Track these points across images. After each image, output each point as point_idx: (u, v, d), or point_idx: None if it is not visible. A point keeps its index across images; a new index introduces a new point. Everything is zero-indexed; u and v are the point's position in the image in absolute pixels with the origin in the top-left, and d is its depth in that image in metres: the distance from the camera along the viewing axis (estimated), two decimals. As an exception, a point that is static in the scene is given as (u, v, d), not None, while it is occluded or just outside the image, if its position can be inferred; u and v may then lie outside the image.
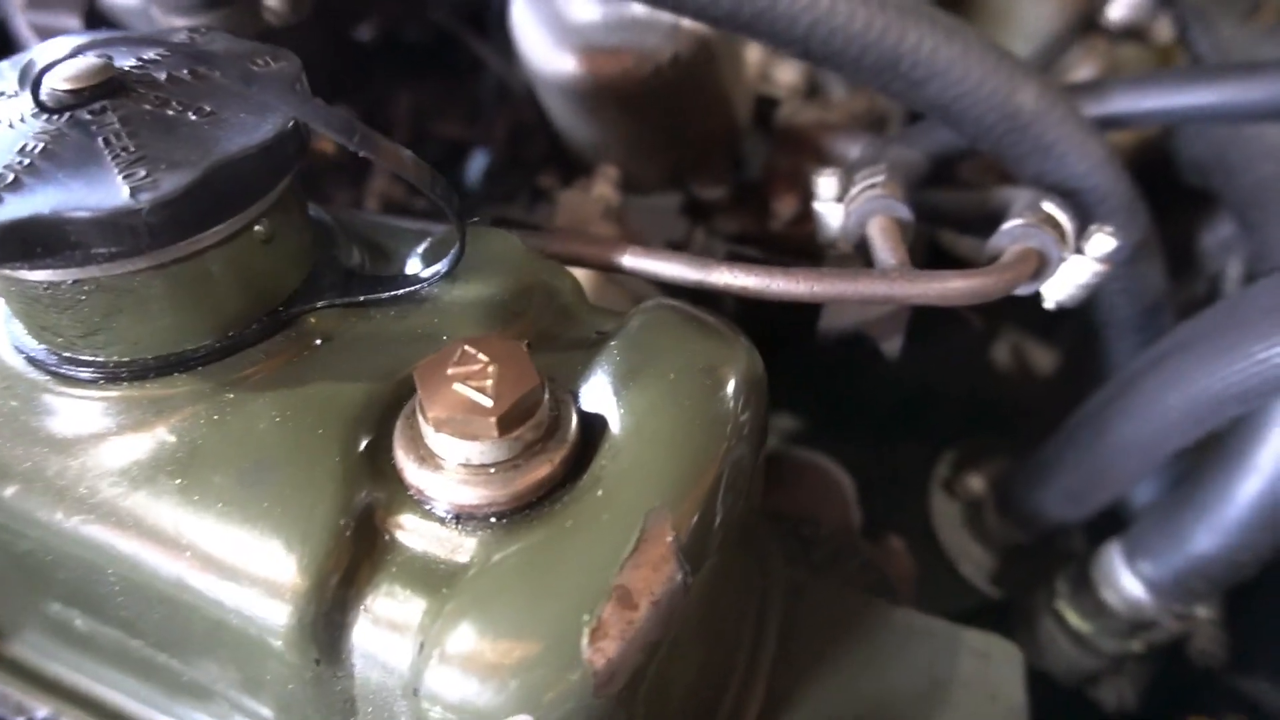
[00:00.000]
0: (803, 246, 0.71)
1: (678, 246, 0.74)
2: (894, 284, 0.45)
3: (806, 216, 0.72)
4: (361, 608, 0.34)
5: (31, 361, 0.39)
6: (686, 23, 0.61)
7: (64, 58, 0.37)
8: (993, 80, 0.52)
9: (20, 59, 0.39)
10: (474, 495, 0.34)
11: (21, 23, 0.64)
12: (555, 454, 0.35)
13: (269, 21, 0.58)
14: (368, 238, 0.46)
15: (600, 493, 0.35)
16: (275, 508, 0.35)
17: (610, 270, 0.49)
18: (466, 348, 0.36)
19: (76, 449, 0.38)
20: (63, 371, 0.38)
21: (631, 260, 0.48)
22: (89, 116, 0.35)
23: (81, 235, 0.32)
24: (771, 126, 0.73)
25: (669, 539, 0.34)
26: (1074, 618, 0.62)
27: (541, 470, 0.35)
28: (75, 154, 0.34)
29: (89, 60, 0.36)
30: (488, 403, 0.34)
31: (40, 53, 0.38)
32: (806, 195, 0.72)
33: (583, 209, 0.66)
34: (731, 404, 0.39)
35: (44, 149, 0.34)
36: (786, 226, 0.72)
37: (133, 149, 0.34)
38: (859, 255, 0.64)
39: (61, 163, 0.34)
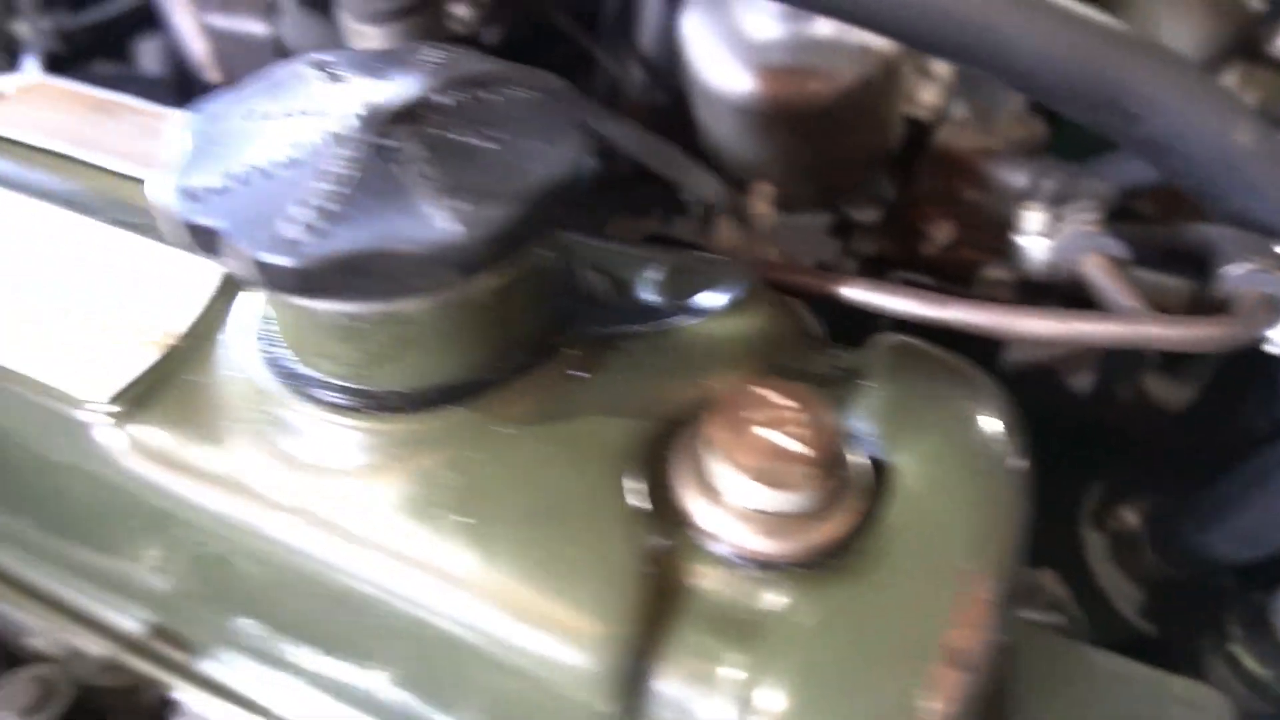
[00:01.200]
0: (957, 273, 0.70)
1: (826, 268, 0.73)
2: (1143, 327, 0.44)
3: (962, 242, 0.72)
4: (664, 658, 0.33)
5: (293, 386, 0.38)
6: (874, 44, 0.60)
7: (349, 79, 0.36)
8: (1211, 117, 0.51)
9: (290, 78, 0.38)
10: (776, 544, 0.33)
11: (184, 20, 0.63)
12: (855, 503, 0.34)
13: (454, 30, 0.57)
14: (597, 263, 0.45)
15: (904, 545, 0.34)
16: (569, 549, 0.34)
17: (832, 301, 0.47)
18: (757, 389, 0.35)
19: (347, 480, 0.37)
20: (330, 399, 0.37)
21: (857, 292, 0.47)
22: (392, 144, 0.34)
23: (401, 269, 0.31)
24: (926, 148, 0.72)
25: (986, 596, 0.33)
26: (1250, 662, 0.61)
27: (845, 519, 0.34)
28: (383, 183, 0.33)
29: (383, 84, 0.35)
30: (799, 449, 0.33)
31: (307, 73, 0.37)
32: (964, 221, 0.71)
33: (743, 227, 0.65)
34: (1012, 451, 0.38)
35: (350, 178, 0.33)
36: (941, 251, 0.70)
37: (440, 178, 0.33)
38: (1016, 287, 0.64)
39: (371, 192, 0.32)
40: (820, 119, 0.62)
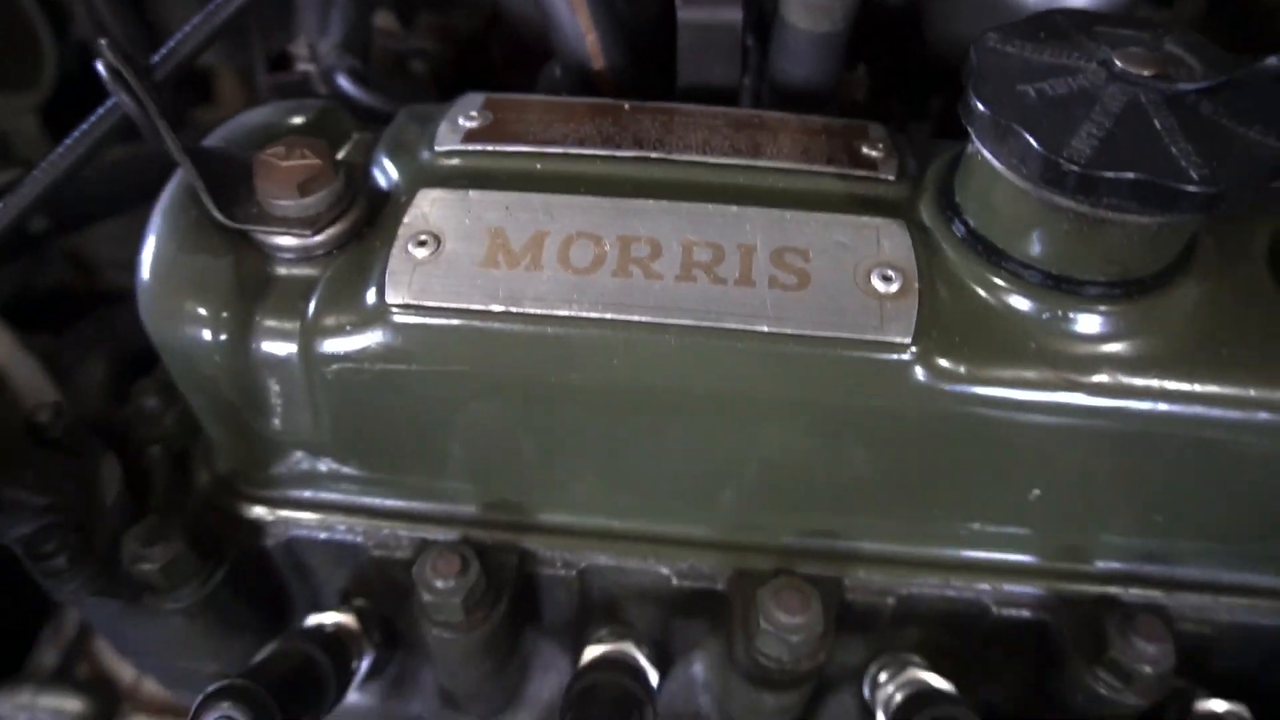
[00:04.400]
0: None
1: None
2: None
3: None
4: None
5: (1052, 288, 0.49)
6: None
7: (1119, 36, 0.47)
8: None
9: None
10: None
11: (579, 14, 0.65)
12: None
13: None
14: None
15: None
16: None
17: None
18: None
19: (1122, 344, 0.50)
20: (1098, 294, 0.49)
21: None
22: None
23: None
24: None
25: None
26: None
27: None
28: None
29: (1146, 50, 0.47)
30: None
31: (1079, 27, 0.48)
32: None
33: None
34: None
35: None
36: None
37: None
38: None
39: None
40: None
